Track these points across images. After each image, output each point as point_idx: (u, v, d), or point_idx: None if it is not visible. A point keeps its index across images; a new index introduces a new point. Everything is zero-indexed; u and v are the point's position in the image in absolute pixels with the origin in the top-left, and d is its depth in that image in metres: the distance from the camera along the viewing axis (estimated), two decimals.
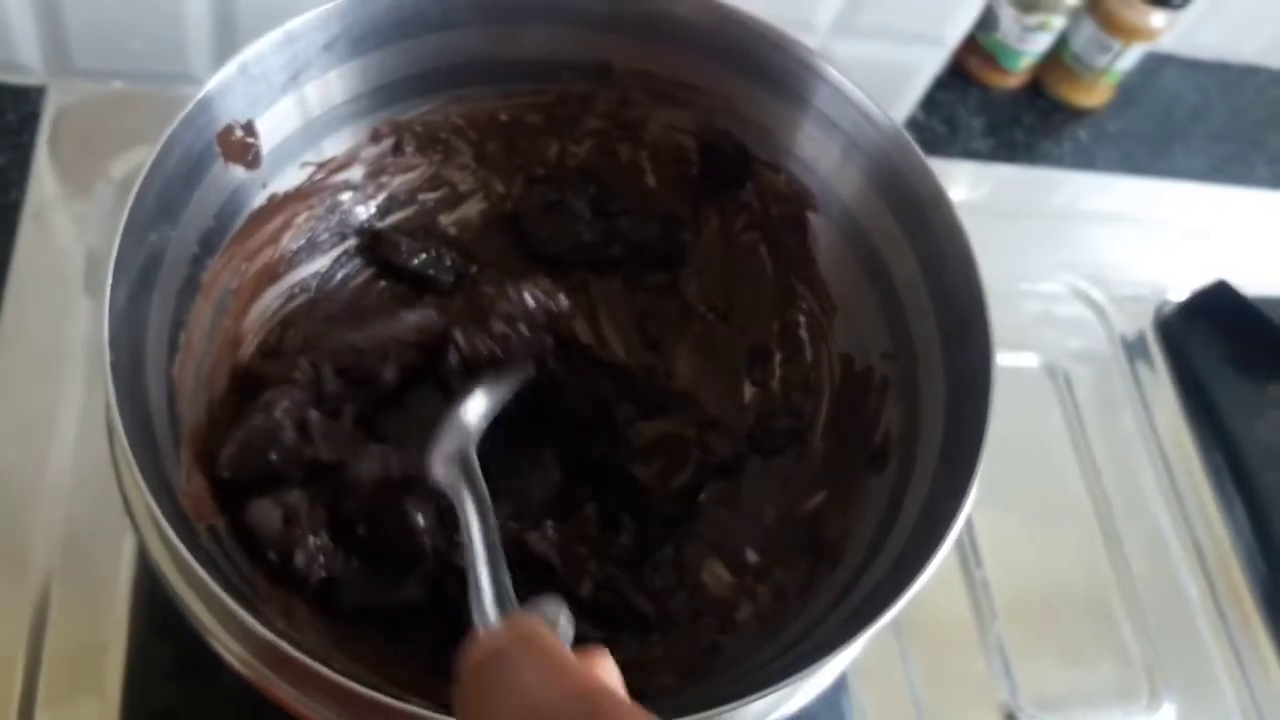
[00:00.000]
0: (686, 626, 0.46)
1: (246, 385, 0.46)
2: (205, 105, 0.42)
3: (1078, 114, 0.85)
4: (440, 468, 0.42)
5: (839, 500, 0.47)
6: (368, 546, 0.44)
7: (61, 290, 0.57)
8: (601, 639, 0.44)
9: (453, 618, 0.43)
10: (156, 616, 0.50)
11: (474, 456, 0.42)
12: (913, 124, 0.80)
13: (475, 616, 0.36)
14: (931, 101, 0.81)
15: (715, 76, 0.50)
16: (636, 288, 0.54)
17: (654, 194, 0.54)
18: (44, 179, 0.61)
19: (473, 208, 0.53)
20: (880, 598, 0.38)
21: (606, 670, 0.31)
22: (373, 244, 0.51)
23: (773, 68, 0.48)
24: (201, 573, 0.33)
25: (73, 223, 0.60)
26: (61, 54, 0.64)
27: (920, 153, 0.45)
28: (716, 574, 0.48)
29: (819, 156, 0.49)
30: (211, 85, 0.42)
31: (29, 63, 0.64)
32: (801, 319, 0.52)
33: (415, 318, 0.48)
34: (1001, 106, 0.83)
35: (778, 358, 0.52)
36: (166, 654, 0.49)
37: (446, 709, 0.39)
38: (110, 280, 0.37)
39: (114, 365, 0.37)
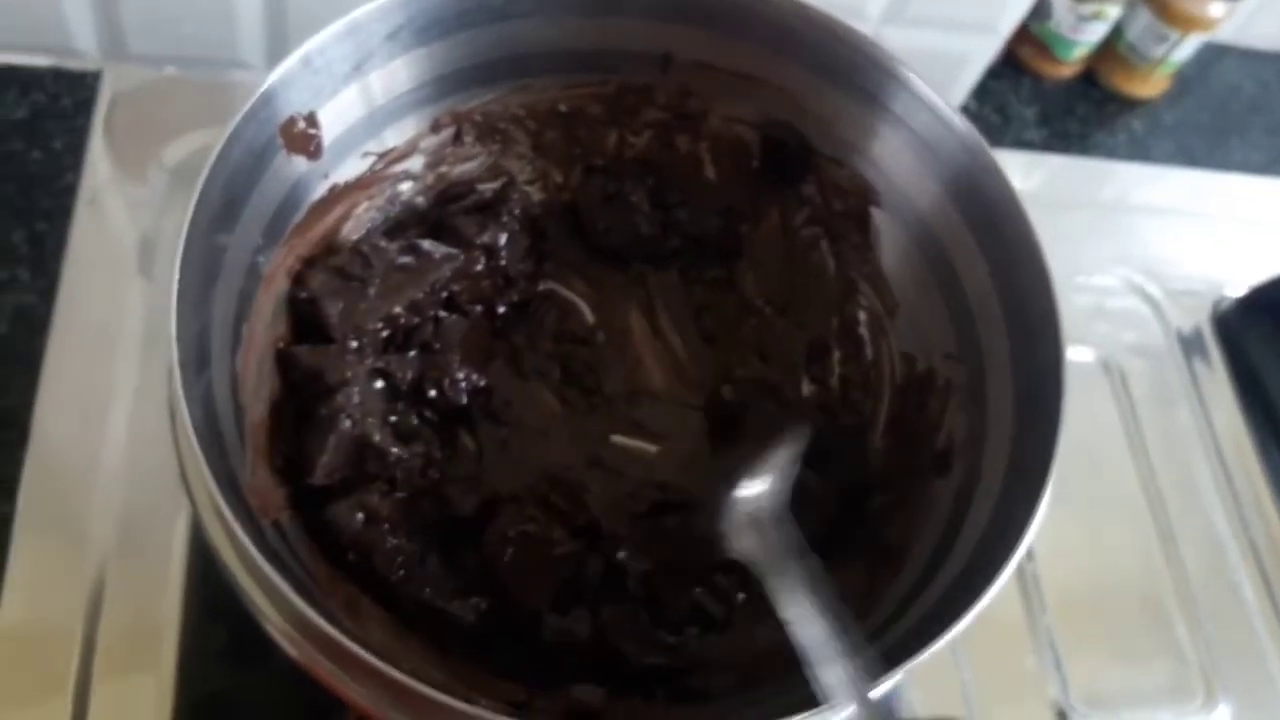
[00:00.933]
0: (748, 627, 0.46)
1: (296, 376, 0.46)
2: (268, 98, 0.42)
3: (1132, 105, 0.84)
4: (742, 540, 0.41)
5: (900, 503, 0.47)
6: (446, 553, 0.44)
7: (116, 273, 0.58)
8: (668, 637, 0.44)
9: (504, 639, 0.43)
10: (210, 598, 0.50)
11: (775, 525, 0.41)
12: (964, 113, 0.78)
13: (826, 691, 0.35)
14: (984, 91, 0.79)
15: (779, 69, 0.49)
16: (693, 281, 0.54)
17: (713, 186, 0.53)
18: (98, 163, 0.61)
19: (531, 197, 0.53)
20: (948, 608, 0.38)
21: None
22: (433, 231, 0.50)
23: (840, 63, 0.47)
24: (268, 568, 0.33)
25: (126, 206, 0.60)
26: (116, 39, 0.64)
27: (993, 155, 0.44)
28: None
29: (885, 153, 0.48)
30: (274, 77, 0.42)
31: (84, 48, 0.65)
32: (862, 315, 0.51)
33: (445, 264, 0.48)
34: (1055, 97, 0.82)
35: (837, 355, 0.52)
36: (220, 636, 0.49)
37: (510, 707, 0.40)
38: (177, 275, 0.37)
39: (181, 359, 0.36)
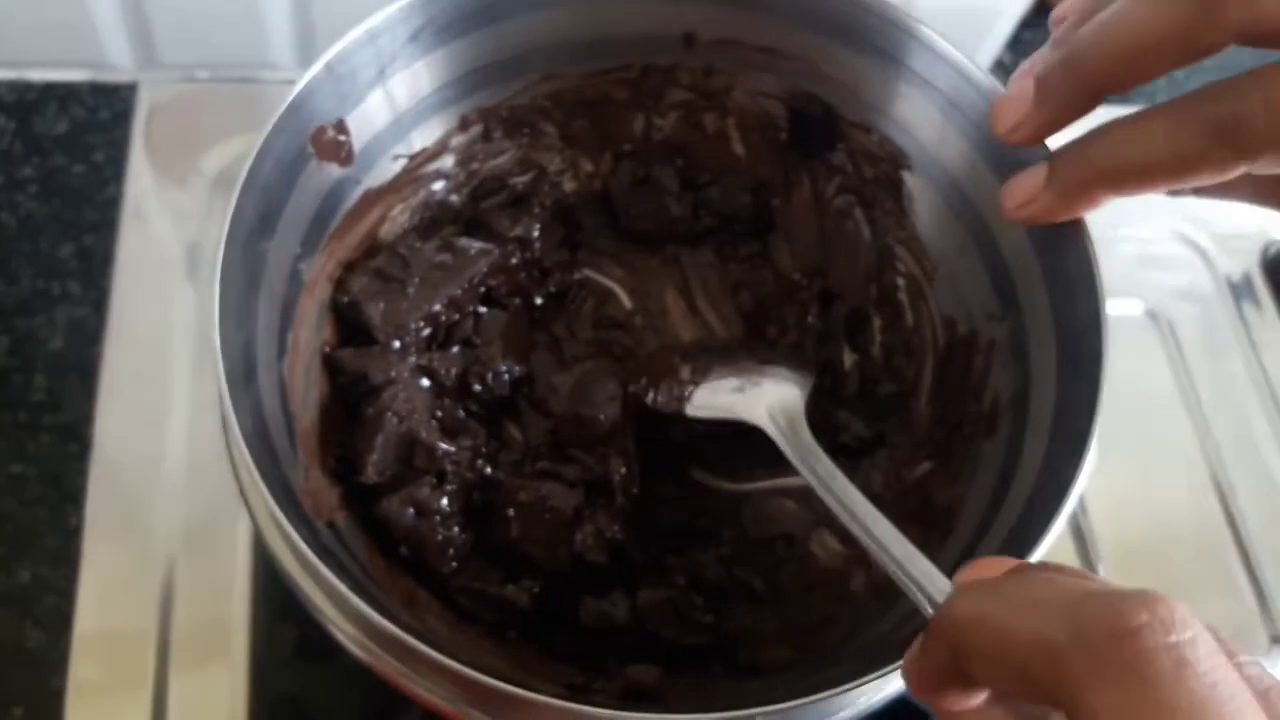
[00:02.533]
0: (799, 599, 0.46)
1: (343, 379, 0.46)
2: (295, 109, 0.42)
3: None
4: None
5: (948, 466, 0.47)
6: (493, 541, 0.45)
7: (165, 281, 0.59)
8: (713, 612, 0.45)
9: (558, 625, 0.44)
10: (276, 600, 0.51)
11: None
12: (999, 66, 0.77)
13: (914, 594, 0.33)
14: (1018, 42, 0.78)
15: (799, 39, 0.49)
16: (728, 259, 0.54)
17: (742, 162, 0.53)
18: (140, 174, 0.62)
19: (563, 188, 0.53)
20: None
21: None
22: (468, 228, 0.51)
23: (858, 26, 0.47)
24: (327, 572, 0.34)
25: (170, 215, 0.62)
26: (149, 50, 0.66)
27: None
28: (826, 544, 0.48)
29: (911, 115, 0.48)
30: (300, 88, 0.42)
31: (119, 60, 0.66)
32: (900, 282, 0.51)
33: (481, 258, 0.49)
34: None
35: (877, 322, 0.52)
36: (289, 637, 0.51)
37: (568, 690, 0.40)
38: (218, 290, 0.38)
39: (228, 373, 0.37)
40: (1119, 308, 0.68)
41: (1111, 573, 0.59)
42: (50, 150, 0.63)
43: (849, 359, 0.52)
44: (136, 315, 0.58)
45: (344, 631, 0.38)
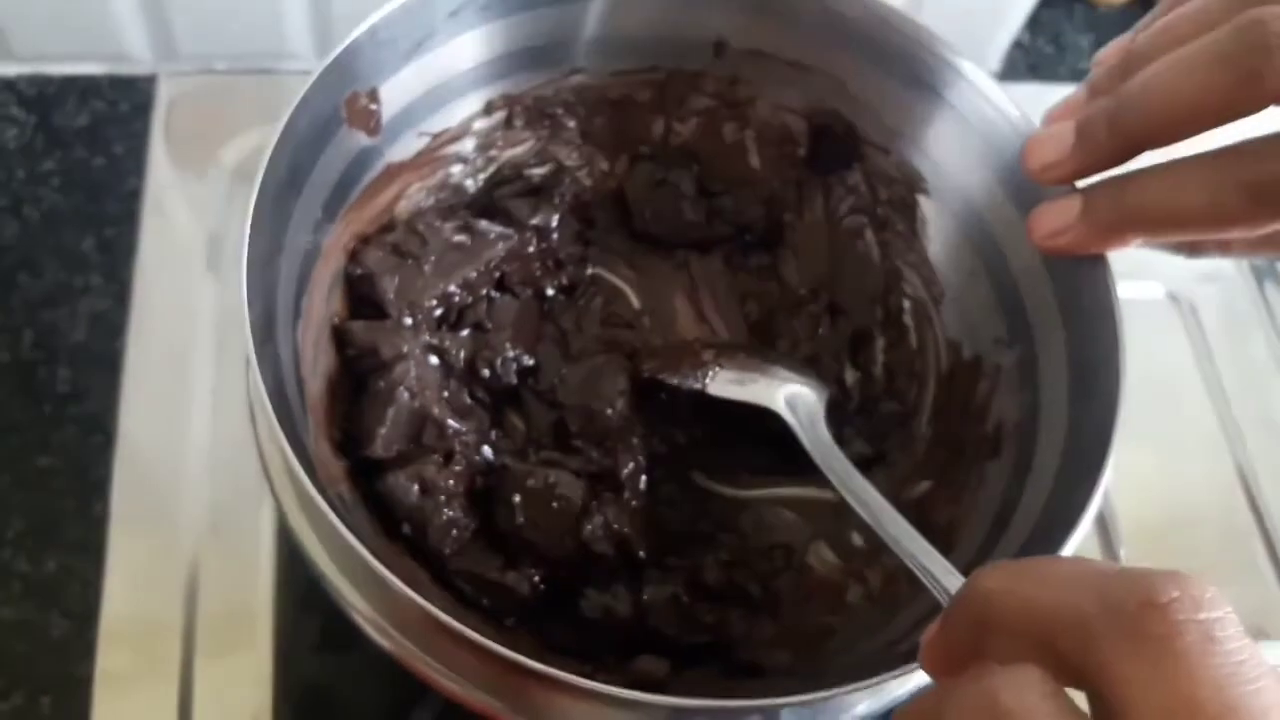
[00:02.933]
0: (795, 608, 0.46)
1: (351, 352, 0.45)
2: (336, 69, 0.42)
3: None
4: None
5: (948, 487, 0.47)
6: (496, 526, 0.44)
7: (186, 273, 0.59)
8: (712, 615, 0.44)
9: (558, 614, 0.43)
10: (300, 589, 0.51)
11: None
12: (1018, 46, 0.77)
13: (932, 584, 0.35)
14: (1036, 22, 0.78)
15: (829, 56, 0.49)
16: (738, 268, 0.54)
17: (756, 175, 0.54)
18: (160, 167, 0.62)
19: (580, 183, 0.53)
20: None
21: None
22: (484, 214, 0.50)
23: (891, 49, 0.47)
24: (342, 528, 0.33)
25: (191, 207, 0.61)
26: (167, 42, 0.65)
27: None
28: (823, 556, 0.48)
29: (935, 140, 0.48)
30: (342, 49, 0.42)
31: (137, 53, 0.66)
32: (906, 304, 0.51)
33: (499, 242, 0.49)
34: (1109, 23, 0.80)
35: (880, 343, 0.52)
36: (313, 626, 0.51)
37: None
38: (247, 239, 0.37)
39: (252, 324, 0.36)
40: (1140, 291, 0.67)
41: (1133, 555, 0.59)
42: (71, 144, 0.63)
43: (851, 376, 0.52)
44: (159, 307, 0.58)
45: (366, 617, 0.38)
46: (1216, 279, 0.70)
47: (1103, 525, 0.60)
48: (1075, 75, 0.76)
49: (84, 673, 0.48)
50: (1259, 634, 0.59)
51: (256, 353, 0.36)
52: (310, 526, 0.38)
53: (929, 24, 0.47)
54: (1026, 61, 0.77)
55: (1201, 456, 0.64)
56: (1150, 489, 0.62)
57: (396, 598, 0.34)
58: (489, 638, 0.41)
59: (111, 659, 0.49)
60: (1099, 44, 0.77)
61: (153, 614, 0.50)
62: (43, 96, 0.65)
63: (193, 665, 0.49)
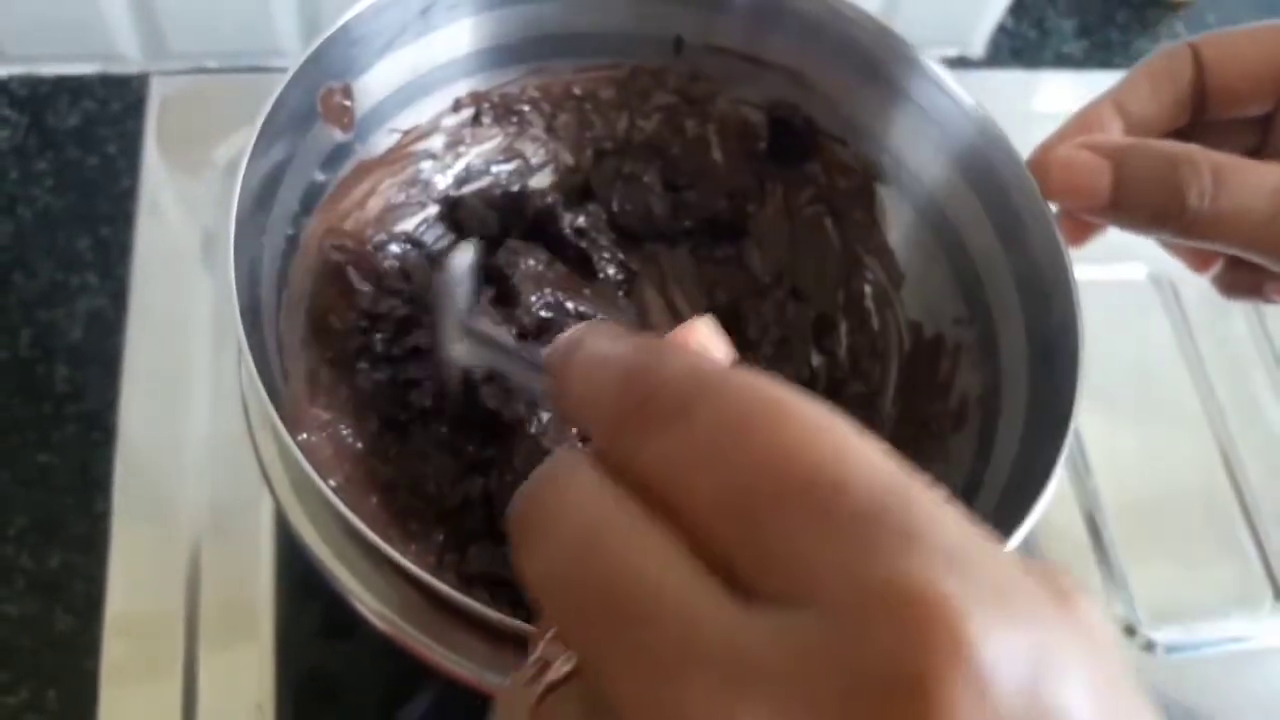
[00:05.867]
0: None
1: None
2: (312, 63, 0.42)
3: (1174, 7, 0.80)
4: (458, 350, 0.45)
5: (915, 462, 0.48)
6: None
7: (182, 271, 0.59)
8: None
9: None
10: (299, 579, 0.52)
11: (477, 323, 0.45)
12: (1002, 30, 0.77)
13: None
14: (1020, 7, 0.78)
15: (786, 51, 0.51)
16: (704, 260, 0.55)
17: (719, 168, 0.55)
18: (154, 166, 0.62)
19: (543, 180, 0.54)
20: None
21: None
22: (452, 212, 0.51)
23: (847, 43, 0.49)
24: (330, 495, 0.34)
25: (185, 206, 0.61)
26: (158, 41, 0.65)
27: (1000, 128, 0.46)
28: None
29: (892, 131, 0.50)
30: (318, 45, 0.43)
31: (128, 52, 0.66)
32: (867, 289, 0.53)
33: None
34: (1093, 5, 0.79)
35: (844, 327, 0.54)
36: (313, 614, 0.51)
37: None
38: (233, 226, 0.38)
39: (241, 312, 0.37)
40: (1122, 273, 0.69)
41: (1116, 532, 0.60)
42: (63, 144, 0.63)
43: (816, 359, 0.53)
44: (155, 304, 0.58)
45: (364, 603, 0.38)
46: None
47: (1085, 502, 0.61)
48: (1059, 59, 0.76)
49: (90, 667, 0.49)
50: (1241, 608, 0.60)
51: (247, 338, 0.37)
52: (306, 515, 0.39)
53: (912, 11, 0.48)
54: (1010, 46, 0.77)
55: (1184, 436, 0.66)
56: (1132, 466, 0.63)
57: (393, 574, 0.34)
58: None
59: (117, 652, 0.49)
60: (1082, 29, 0.78)
61: (156, 607, 0.50)
62: (35, 97, 0.65)
63: (196, 656, 0.50)
